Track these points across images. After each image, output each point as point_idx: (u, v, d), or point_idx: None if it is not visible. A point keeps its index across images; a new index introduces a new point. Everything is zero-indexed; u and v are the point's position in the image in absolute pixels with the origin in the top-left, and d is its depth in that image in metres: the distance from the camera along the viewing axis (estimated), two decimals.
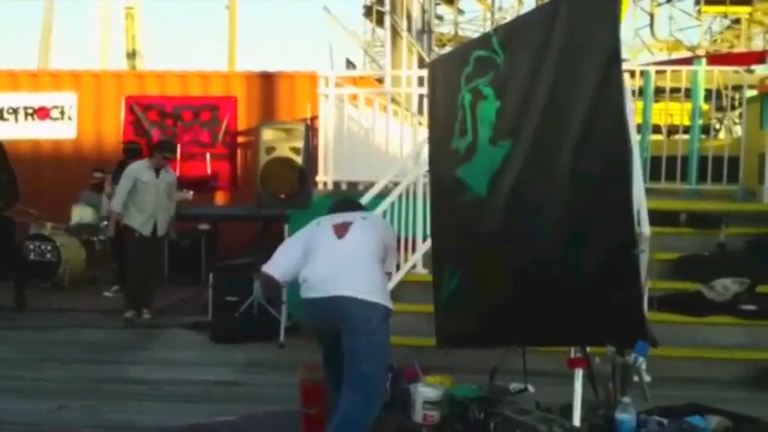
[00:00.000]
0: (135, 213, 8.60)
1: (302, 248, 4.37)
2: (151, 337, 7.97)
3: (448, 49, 21.14)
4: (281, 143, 7.82)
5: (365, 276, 4.17)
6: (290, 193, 7.80)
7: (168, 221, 8.81)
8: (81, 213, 10.92)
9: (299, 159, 7.77)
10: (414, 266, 7.46)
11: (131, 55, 20.78)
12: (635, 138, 7.24)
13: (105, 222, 10.81)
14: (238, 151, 12.41)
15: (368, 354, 4.05)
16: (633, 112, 7.88)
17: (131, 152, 9.88)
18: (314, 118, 9.83)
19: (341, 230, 4.33)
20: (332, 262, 4.22)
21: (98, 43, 21.79)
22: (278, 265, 4.44)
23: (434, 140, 5.25)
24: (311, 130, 8.36)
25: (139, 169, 8.68)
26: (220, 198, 12.44)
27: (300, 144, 7.78)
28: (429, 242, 5.32)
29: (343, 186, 8.46)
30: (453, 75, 4.87)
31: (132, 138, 12.26)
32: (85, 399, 5.89)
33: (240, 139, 12.38)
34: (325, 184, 8.77)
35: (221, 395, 6.11)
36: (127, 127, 12.43)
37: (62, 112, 12.66)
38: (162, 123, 12.35)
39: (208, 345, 7.79)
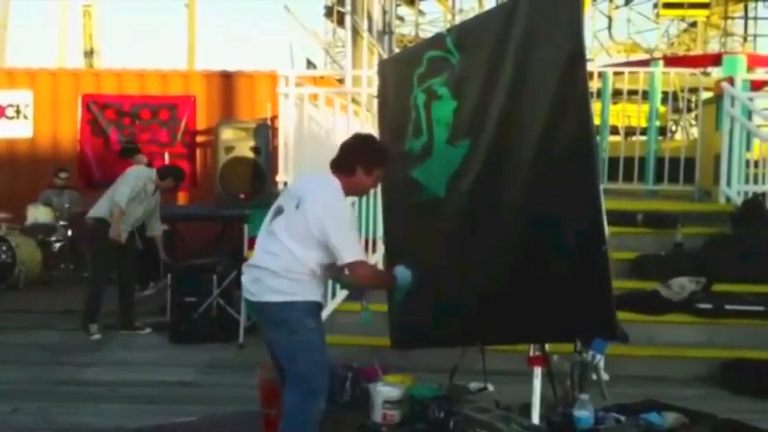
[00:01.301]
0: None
1: None
2: (108, 339, 7.87)
3: None
4: (240, 143, 7.78)
5: (280, 274, 3.98)
6: (249, 193, 7.75)
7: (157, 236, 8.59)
8: (37, 213, 10.76)
9: (258, 159, 7.72)
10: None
11: (89, 53, 20.53)
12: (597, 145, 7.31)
13: (62, 222, 10.71)
14: (197, 151, 12.31)
15: (293, 353, 4.02)
16: (592, 113, 7.94)
17: (129, 152, 9.60)
18: (274, 118, 9.79)
19: (274, 217, 4.14)
20: (257, 260, 4.12)
21: (55, 41, 21.54)
22: None
23: (385, 141, 5.22)
24: (271, 130, 8.31)
25: (148, 177, 8.26)
26: (179, 198, 12.33)
27: (260, 143, 7.73)
28: None
29: None
30: (405, 75, 4.86)
31: (90, 137, 12.16)
32: (41, 401, 5.80)
33: (199, 139, 12.28)
34: (285, 183, 8.71)
35: (180, 396, 6.06)
36: (84, 126, 12.29)
37: (18, 111, 12.47)
38: (119, 122, 12.22)
39: (166, 345, 7.73)
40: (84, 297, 8.15)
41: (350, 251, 3.97)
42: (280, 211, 4.12)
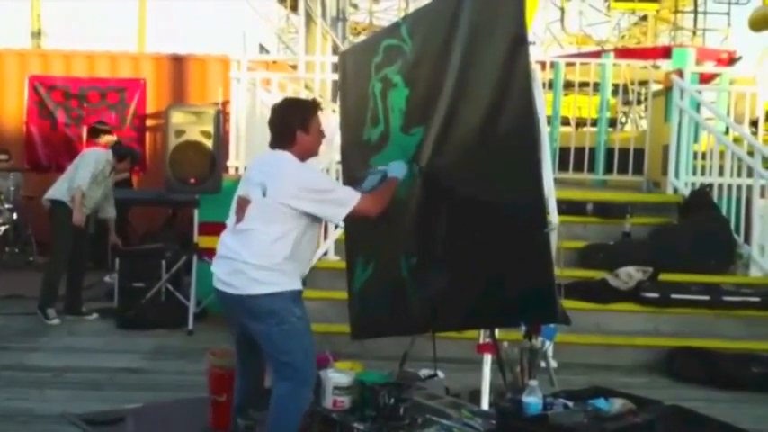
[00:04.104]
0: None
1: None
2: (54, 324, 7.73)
3: (363, 37, 21.19)
4: (190, 127, 7.64)
5: (260, 265, 3.92)
6: (199, 178, 7.65)
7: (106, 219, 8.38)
8: None
9: (209, 143, 7.63)
10: (325, 253, 7.43)
11: (36, 34, 20.12)
12: (545, 129, 7.37)
13: (8, 206, 10.49)
14: (147, 135, 12.14)
15: (282, 342, 3.96)
16: (543, 103, 8.00)
17: (98, 133, 9.33)
18: (225, 102, 9.70)
19: (240, 211, 4.07)
20: (229, 250, 4.04)
21: (2, 21, 21.06)
22: None
23: (345, 131, 5.23)
24: (222, 115, 8.22)
25: (106, 159, 8.08)
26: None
27: (211, 128, 7.63)
28: (340, 229, 5.29)
29: None
30: (363, 65, 4.87)
31: (37, 119, 11.93)
32: None
33: (149, 123, 12.10)
34: (236, 169, 8.66)
35: (127, 382, 5.98)
36: (31, 107, 12.03)
37: None
38: (67, 105, 11.99)
39: (113, 331, 7.62)
40: (42, 280, 7.93)
41: (342, 207, 4.04)
42: (246, 202, 4.04)
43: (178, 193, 8.00)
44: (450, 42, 4.12)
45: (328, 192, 4.06)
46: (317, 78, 9.35)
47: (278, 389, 3.99)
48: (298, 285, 4.08)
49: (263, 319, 3.95)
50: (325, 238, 7.40)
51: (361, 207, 4.07)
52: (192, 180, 7.66)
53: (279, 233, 3.94)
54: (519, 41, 3.71)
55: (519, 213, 3.73)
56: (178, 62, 12.14)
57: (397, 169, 4.32)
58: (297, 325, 3.98)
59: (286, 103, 4.36)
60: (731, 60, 14.15)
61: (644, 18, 23.71)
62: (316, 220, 4.10)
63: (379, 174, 4.36)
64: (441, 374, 4.76)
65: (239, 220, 4.05)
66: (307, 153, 4.19)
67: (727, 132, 8.80)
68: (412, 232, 4.44)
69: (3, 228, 10.49)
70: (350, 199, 4.06)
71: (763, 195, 7.78)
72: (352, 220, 4.61)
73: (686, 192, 8.43)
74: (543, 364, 4.74)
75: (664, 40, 22.90)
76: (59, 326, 7.68)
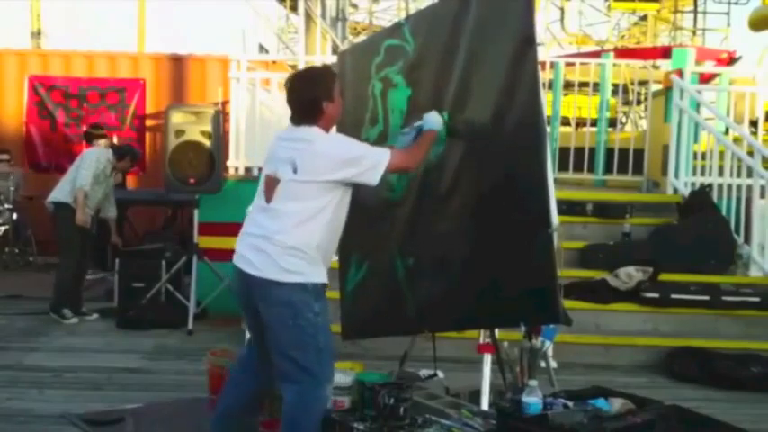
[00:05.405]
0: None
1: None
2: (53, 324, 7.73)
3: (362, 37, 21.19)
4: (190, 127, 7.65)
5: (289, 247, 3.69)
6: (199, 178, 7.66)
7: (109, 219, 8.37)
8: None
9: (208, 143, 7.63)
10: None
11: (36, 34, 20.12)
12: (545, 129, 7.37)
13: (8, 206, 10.48)
14: (147, 135, 12.15)
15: (294, 336, 3.71)
16: (544, 104, 8.00)
17: (92, 137, 9.29)
18: (225, 102, 9.70)
19: (269, 189, 3.84)
20: (259, 227, 3.80)
21: (1, 21, 21.06)
22: None
23: (343, 131, 5.21)
24: (222, 115, 8.22)
25: (106, 159, 8.06)
26: (128, 182, 12.15)
27: (210, 128, 7.64)
28: None
29: (255, 172, 8.37)
30: (363, 64, 4.86)
31: (36, 119, 11.93)
32: None
33: (149, 123, 12.11)
34: (236, 169, 8.67)
35: (126, 382, 5.98)
36: (30, 107, 12.04)
37: None
38: (66, 105, 11.99)
39: (113, 331, 7.61)
40: (54, 283, 7.94)
41: (376, 169, 3.81)
42: (275, 181, 3.82)
43: (178, 193, 8.00)
44: (455, 43, 4.10)
45: (362, 157, 3.83)
46: None
47: (287, 394, 3.80)
48: (322, 278, 3.84)
49: (278, 309, 3.72)
50: None
51: (395, 162, 3.88)
52: (192, 180, 7.67)
53: (312, 211, 3.75)
54: (528, 42, 3.70)
55: (523, 213, 3.73)
56: (178, 62, 12.15)
57: (432, 121, 4.10)
58: (313, 321, 3.73)
59: (305, 77, 4.12)
60: (731, 60, 14.15)
61: (644, 18, 23.71)
62: (347, 191, 3.89)
63: (412, 132, 4.19)
64: (441, 374, 4.76)
65: (269, 199, 3.83)
66: (332, 122, 4.04)
67: (726, 132, 8.80)
68: (409, 232, 4.43)
69: (3, 228, 10.49)
70: (382, 158, 3.84)
71: (762, 195, 7.78)
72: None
73: (686, 192, 8.42)
74: (543, 364, 4.74)
75: (664, 40, 22.90)
76: (59, 326, 7.68)
